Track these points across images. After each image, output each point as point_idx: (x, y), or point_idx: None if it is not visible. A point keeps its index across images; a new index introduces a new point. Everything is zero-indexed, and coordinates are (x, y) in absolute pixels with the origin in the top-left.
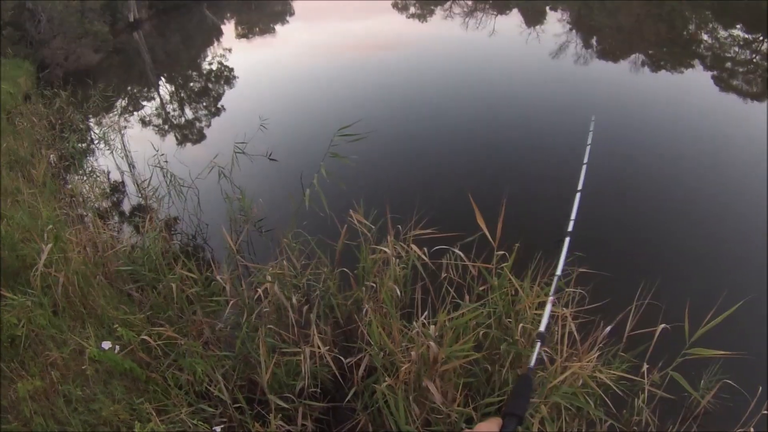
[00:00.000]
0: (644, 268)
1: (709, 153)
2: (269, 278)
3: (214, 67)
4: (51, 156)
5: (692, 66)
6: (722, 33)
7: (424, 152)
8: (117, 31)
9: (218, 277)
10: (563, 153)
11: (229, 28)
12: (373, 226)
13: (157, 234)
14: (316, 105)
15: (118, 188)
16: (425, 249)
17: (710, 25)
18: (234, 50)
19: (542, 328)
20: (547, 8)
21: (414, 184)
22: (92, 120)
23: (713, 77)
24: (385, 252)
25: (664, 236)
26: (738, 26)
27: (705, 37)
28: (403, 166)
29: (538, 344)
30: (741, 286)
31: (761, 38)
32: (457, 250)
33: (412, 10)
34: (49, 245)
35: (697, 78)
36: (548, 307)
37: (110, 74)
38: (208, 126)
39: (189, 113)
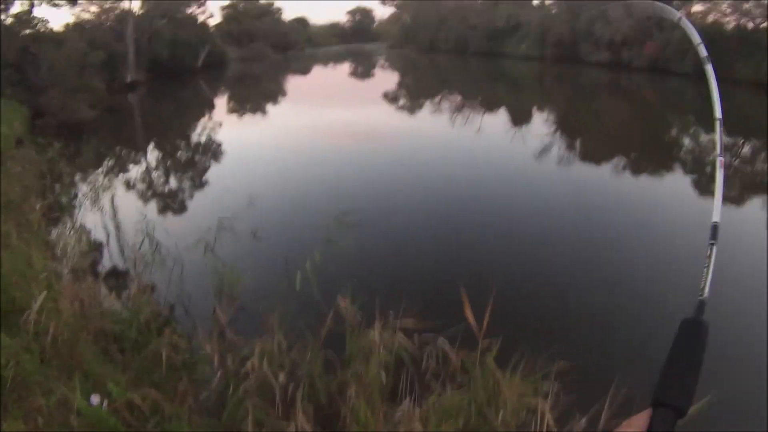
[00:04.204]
0: (619, 360)
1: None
2: (257, 354)
3: (203, 139)
4: (39, 205)
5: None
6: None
7: (412, 242)
8: (113, 90)
9: (207, 347)
10: (550, 247)
11: (221, 102)
12: (359, 314)
13: (146, 298)
14: (302, 188)
15: (103, 247)
16: (414, 336)
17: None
18: (224, 124)
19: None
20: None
21: (403, 271)
22: (82, 176)
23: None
24: (373, 339)
25: (643, 330)
26: None
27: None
28: (393, 254)
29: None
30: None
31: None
32: (441, 338)
33: (402, 102)
34: (44, 293)
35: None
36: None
37: (102, 132)
38: (191, 198)
39: (174, 182)
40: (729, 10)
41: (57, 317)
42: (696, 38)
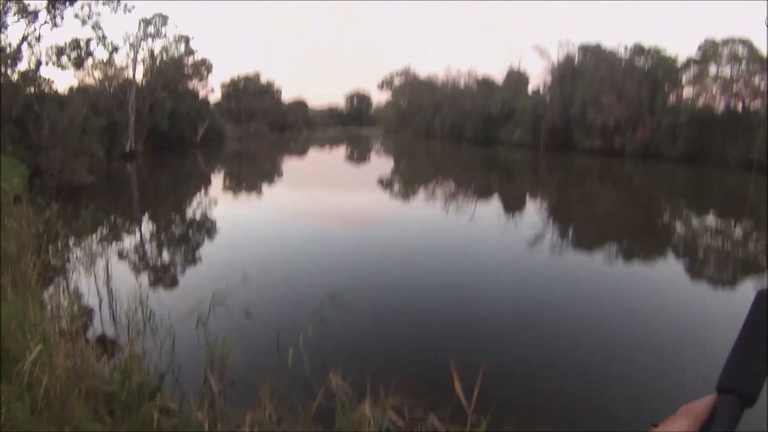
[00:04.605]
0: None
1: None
2: (248, 423)
3: (198, 214)
4: (34, 263)
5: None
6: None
7: (403, 321)
8: (112, 157)
9: (198, 415)
10: (538, 326)
11: (218, 178)
12: (350, 390)
13: (137, 364)
14: (296, 267)
15: (95, 312)
16: (405, 411)
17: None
18: (220, 201)
19: None
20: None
21: (394, 349)
22: (77, 239)
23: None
24: (364, 415)
25: (631, 407)
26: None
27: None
28: (384, 332)
29: None
30: None
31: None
32: (431, 414)
33: (396, 188)
34: (39, 346)
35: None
36: None
37: (99, 198)
38: (184, 272)
39: (168, 255)
40: (718, 93)
41: (51, 371)
42: None
